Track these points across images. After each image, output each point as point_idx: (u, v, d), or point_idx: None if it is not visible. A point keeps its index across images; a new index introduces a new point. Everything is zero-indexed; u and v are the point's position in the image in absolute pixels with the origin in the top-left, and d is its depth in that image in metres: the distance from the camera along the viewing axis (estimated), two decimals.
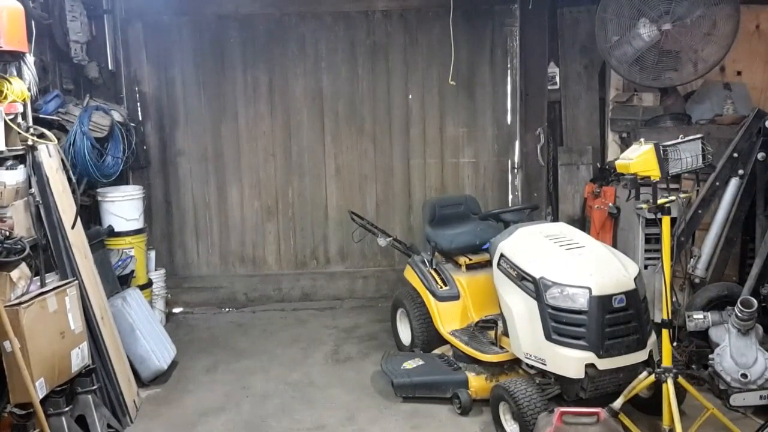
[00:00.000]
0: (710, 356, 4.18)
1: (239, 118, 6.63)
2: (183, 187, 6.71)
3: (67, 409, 3.75)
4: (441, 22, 6.30)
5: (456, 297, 4.85)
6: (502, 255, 4.19)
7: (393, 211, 6.77)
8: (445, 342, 4.79)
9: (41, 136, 4.23)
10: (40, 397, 3.54)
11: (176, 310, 6.64)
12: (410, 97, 6.63)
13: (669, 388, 3.50)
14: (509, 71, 6.57)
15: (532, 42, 6.39)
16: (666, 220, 3.57)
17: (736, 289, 4.56)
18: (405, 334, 5.25)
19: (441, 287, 4.92)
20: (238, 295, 6.79)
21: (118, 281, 5.27)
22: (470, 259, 5.01)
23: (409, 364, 4.59)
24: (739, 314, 4.03)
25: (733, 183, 4.77)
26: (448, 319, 4.81)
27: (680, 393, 3.68)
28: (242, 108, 6.62)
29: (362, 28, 6.52)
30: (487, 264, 4.67)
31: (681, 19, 5.11)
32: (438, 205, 5.31)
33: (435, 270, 5.07)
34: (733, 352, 4.05)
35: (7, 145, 3.91)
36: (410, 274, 5.23)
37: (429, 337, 4.94)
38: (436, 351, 4.87)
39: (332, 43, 6.54)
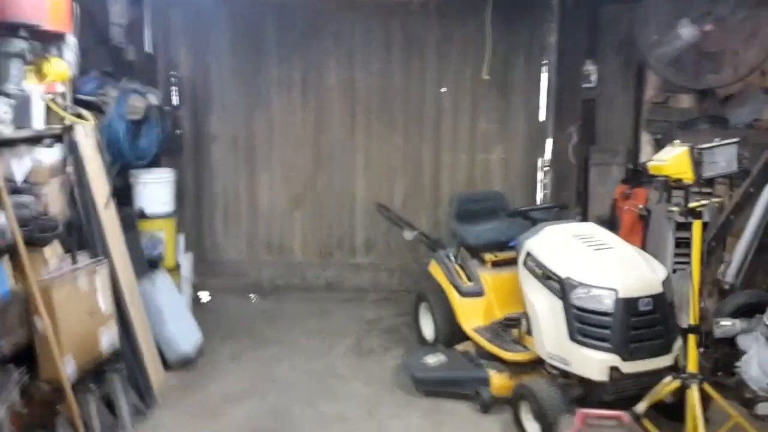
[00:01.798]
0: (737, 364, 4.12)
1: (272, 106, 6.68)
2: (214, 172, 6.78)
3: (94, 388, 3.83)
4: (477, 16, 6.25)
5: (480, 293, 4.84)
6: (528, 253, 4.17)
7: (420, 205, 6.76)
8: (467, 338, 4.78)
9: (79, 116, 4.30)
10: (69, 375, 3.61)
11: (203, 294, 6.72)
12: (443, 90, 6.60)
13: (694, 395, 3.46)
14: (545, 67, 6.51)
15: (569, 39, 6.32)
16: (697, 225, 3.51)
17: (766, 297, 4.48)
18: (427, 329, 5.25)
19: (465, 283, 4.91)
20: (264, 282, 6.85)
21: (147, 264, 5.34)
22: (496, 256, 4.99)
23: (431, 360, 4.59)
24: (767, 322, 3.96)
25: None
26: (471, 315, 4.80)
27: (705, 400, 3.63)
28: (275, 97, 6.66)
29: (398, 20, 6.52)
30: (513, 261, 4.64)
31: (723, 20, 5.02)
32: (465, 200, 5.29)
33: (460, 266, 5.06)
34: (761, 360, 3.98)
35: (45, 124, 3.98)
36: (435, 269, 5.22)
37: (451, 333, 4.94)
38: (459, 347, 4.86)
39: (367, 35, 6.55)
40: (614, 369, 3.65)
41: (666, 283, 3.82)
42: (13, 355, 3.45)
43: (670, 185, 3.60)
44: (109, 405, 3.95)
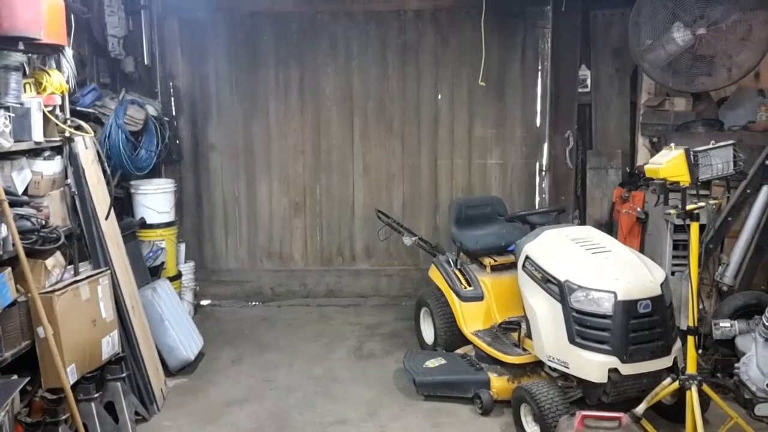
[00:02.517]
0: (736, 365, 4.14)
1: (270, 114, 6.70)
2: (214, 181, 6.80)
3: (96, 395, 3.86)
4: (472, 23, 6.30)
5: (480, 298, 4.86)
6: (527, 257, 4.19)
7: (419, 211, 6.79)
8: (467, 342, 4.80)
9: (78, 128, 4.33)
10: (71, 382, 3.63)
11: (204, 302, 6.74)
12: (439, 97, 6.64)
13: (693, 396, 3.48)
14: (540, 73, 6.55)
15: (563, 44, 6.36)
16: (694, 227, 3.54)
17: (764, 298, 4.50)
18: (428, 333, 5.27)
19: (465, 287, 4.93)
20: (264, 289, 6.87)
21: (148, 272, 5.38)
22: (495, 261, 5.01)
23: (432, 363, 4.61)
24: (766, 323, 3.98)
25: (765, 191, 4.71)
26: (471, 319, 4.82)
27: (704, 401, 3.66)
28: (273, 105, 6.69)
29: (393, 27, 6.55)
30: (512, 266, 4.67)
31: (716, 23, 5.05)
32: (464, 206, 5.32)
33: (460, 270, 5.08)
34: (760, 361, 4.01)
35: (45, 136, 4.01)
36: (435, 274, 5.25)
37: (452, 337, 4.96)
38: (459, 351, 4.88)
39: (363, 42, 6.58)
40: (613, 371, 3.67)
41: (664, 285, 3.85)
42: (16, 363, 3.48)
43: (667, 188, 3.63)
44: (112, 411, 3.96)
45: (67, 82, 4.32)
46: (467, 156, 6.70)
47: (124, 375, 4.10)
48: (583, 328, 3.77)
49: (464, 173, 6.72)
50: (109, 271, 4.20)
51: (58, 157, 4.19)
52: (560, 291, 3.87)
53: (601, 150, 6.37)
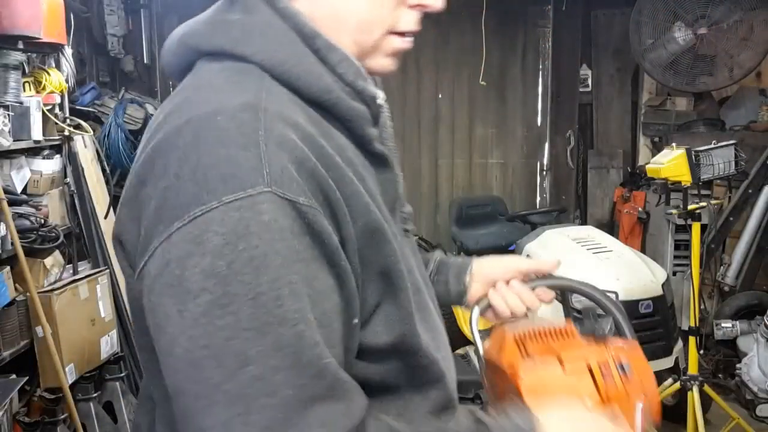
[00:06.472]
0: (737, 365, 4.12)
1: None
2: None
3: (95, 395, 3.84)
4: (473, 22, 6.28)
5: None
6: (528, 256, 4.18)
7: (419, 211, 6.76)
8: (468, 342, 4.78)
9: (77, 126, 4.32)
10: (70, 382, 3.61)
11: None
12: (440, 96, 6.62)
13: (694, 396, 3.46)
14: (540, 72, 6.54)
15: (564, 43, 6.36)
16: (696, 227, 3.52)
17: (766, 299, 4.49)
18: None
19: None
20: None
21: None
22: None
23: None
24: None
25: (766, 191, 4.70)
26: None
27: (705, 401, 3.64)
28: None
29: None
30: None
31: (717, 23, 5.04)
32: (465, 205, 5.31)
33: None
34: (761, 362, 3.99)
35: (44, 134, 4.00)
36: None
37: (452, 337, 4.91)
38: (459, 351, 4.86)
39: None
40: None
41: (666, 285, 3.83)
42: (14, 363, 3.47)
43: (668, 188, 3.62)
44: (110, 411, 3.95)
45: (67, 81, 4.30)
46: (468, 155, 6.68)
47: (123, 375, 4.09)
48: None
49: (465, 172, 6.71)
50: (108, 271, 4.19)
51: (58, 155, 4.17)
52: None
53: (602, 149, 6.36)
